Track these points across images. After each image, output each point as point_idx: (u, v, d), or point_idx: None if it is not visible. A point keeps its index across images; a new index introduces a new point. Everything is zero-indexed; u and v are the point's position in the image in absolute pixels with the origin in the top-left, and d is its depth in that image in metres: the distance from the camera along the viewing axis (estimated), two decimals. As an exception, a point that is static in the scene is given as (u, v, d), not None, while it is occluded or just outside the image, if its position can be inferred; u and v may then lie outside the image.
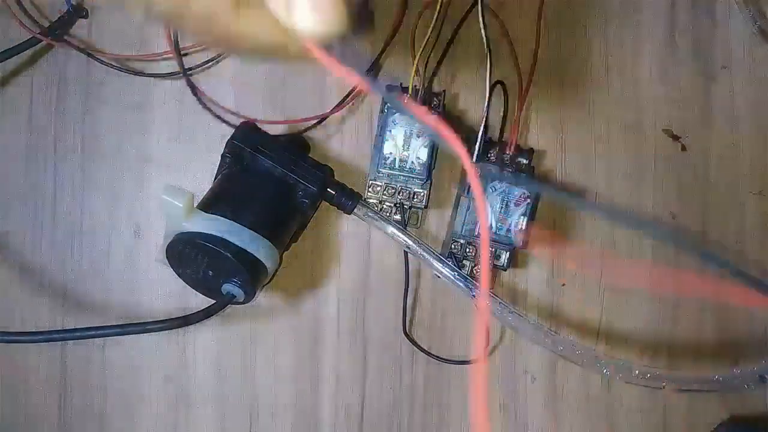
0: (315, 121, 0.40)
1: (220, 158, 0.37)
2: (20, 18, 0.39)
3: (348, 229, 0.41)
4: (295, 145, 0.39)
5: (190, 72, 0.40)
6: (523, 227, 0.36)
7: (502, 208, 0.37)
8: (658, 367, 0.40)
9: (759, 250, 0.40)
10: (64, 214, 0.41)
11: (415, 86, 0.38)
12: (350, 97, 0.40)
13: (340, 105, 0.40)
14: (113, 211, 0.41)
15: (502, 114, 0.39)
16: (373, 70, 0.40)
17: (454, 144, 0.18)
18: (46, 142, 0.41)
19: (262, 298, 0.41)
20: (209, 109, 0.40)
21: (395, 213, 0.39)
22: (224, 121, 0.40)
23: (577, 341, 0.37)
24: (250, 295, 0.34)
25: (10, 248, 0.42)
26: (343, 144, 0.41)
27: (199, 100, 0.40)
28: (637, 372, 0.36)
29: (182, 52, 0.39)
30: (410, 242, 0.37)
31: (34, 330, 0.41)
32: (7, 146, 0.41)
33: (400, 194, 0.39)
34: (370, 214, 0.38)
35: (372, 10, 0.38)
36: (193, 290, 0.35)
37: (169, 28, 0.40)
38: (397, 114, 0.37)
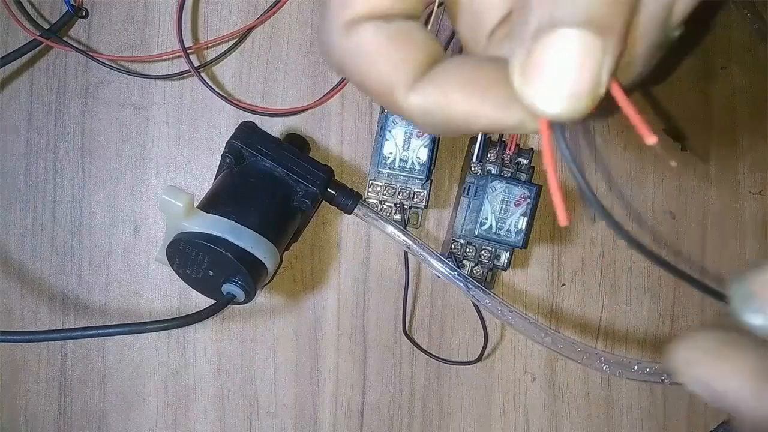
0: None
1: (220, 158, 0.37)
2: (20, 20, 0.39)
3: (348, 229, 0.41)
4: (296, 145, 0.39)
5: (199, 70, 0.40)
6: (523, 227, 0.36)
7: (502, 208, 0.37)
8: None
9: (758, 251, 0.40)
10: (64, 214, 0.41)
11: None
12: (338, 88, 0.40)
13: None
14: (113, 211, 0.41)
15: (502, 114, 0.39)
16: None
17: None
18: (46, 142, 0.41)
19: (262, 298, 0.41)
20: (229, 100, 0.40)
21: (395, 213, 0.39)
22: (242, 108, 0.40)
23: (577, 340, 0.37)
24: (250, 295, 0.34)
25: (11, 248, 0.42)
26: (343, 144, 0.41)
27: (215, 92, 0.40)
28: (636, 367, 0.36)
29: (188, 52, 0.39)
30: (410, 242, 0.37)
31: (34, 330, 0.41)
32: (7, 146, 0.41)
33: (400, 194, 0.39)
34: (370, 214, 0.38)
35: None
36: (193, 290, 0.35)
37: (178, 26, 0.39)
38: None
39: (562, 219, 0.17)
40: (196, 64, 0.40)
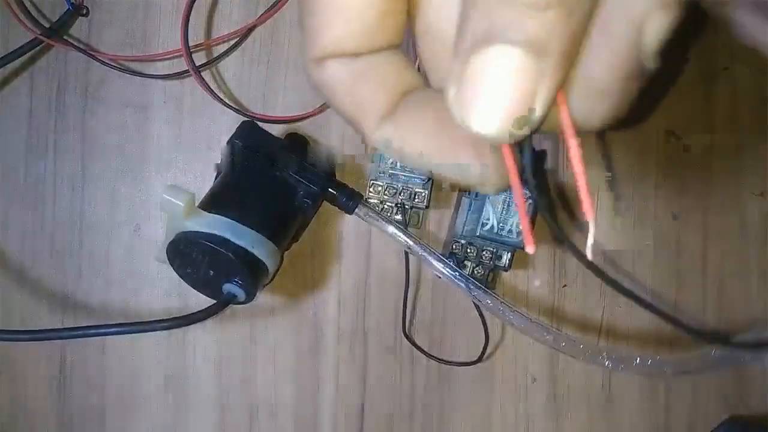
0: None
1: (220, 158, 0.37)
2: (21, 18, 0.39)
3: (349, 229, 0.41)
4: (296, 145, 0.39)
5: (201, 69, 0.40)
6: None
7: (503, 208, 0.37)
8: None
9: (759, 252, 0.40)
10: (64, 214, 0.41)
11: (417, 86, 0.38)
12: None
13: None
14: (113, 211, 0.41)
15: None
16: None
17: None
18: (46, 141, 0.41)
19: (262, 298, 0.41)
20: (225, 103, 0.40)
21: (396, 213, 0.39)
22: (240, 113, 0.40)
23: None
24: (250, 295, 0.33)
25: (11, 248, 0.41)
26: (344, 144, 0.41)
27: (214, 94, 0.39)
28: (638, 361, 0.36)
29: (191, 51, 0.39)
30: (411, 242, 0.37)
31: (34, 330, 0.41)
32: (7, 146, 0.41)
33: (401, 194, 0.39)
34: (371, 214, 0.38)
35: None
36: (194, 290, 0.35)
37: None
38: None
39: (529, 244, 0.17)
40: (196, 64, 0.40)
